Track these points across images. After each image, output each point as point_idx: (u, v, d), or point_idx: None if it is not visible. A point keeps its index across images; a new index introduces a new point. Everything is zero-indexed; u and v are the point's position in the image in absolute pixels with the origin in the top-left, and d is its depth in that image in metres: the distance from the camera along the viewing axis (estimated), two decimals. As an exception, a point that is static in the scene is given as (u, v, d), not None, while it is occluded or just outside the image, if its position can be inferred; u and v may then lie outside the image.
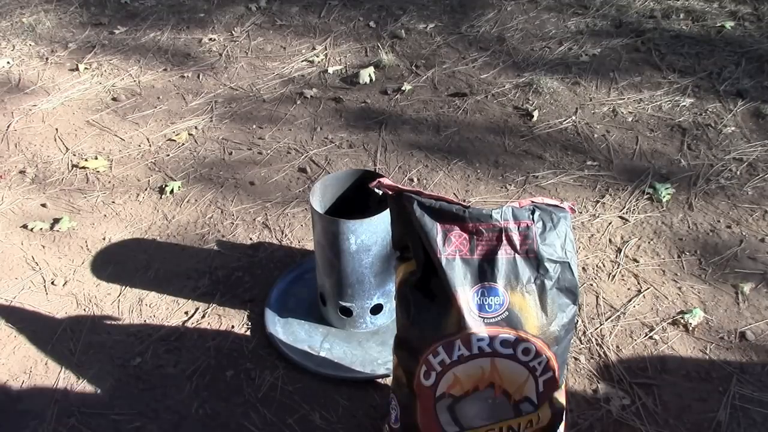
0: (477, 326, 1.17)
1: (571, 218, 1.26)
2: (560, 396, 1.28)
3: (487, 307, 1.17)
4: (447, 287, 1.18)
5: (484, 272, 1.18)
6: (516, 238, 1.19)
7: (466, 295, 1.17)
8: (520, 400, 1.20)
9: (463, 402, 1.20)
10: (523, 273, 1.18)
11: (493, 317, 1.17)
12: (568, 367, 1.58)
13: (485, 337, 1.17)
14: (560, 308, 1.20)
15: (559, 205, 1.25)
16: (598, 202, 2.09)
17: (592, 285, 1.83)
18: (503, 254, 1.19)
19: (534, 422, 1.23)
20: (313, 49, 2.95)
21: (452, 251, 1.19)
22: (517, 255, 1.19)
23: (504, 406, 1.20)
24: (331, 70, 2.80)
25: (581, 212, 2.06)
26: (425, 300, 1.21)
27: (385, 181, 1.28)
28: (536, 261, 1.19)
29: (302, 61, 2.87)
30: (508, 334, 1.17)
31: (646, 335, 1.69)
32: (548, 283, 1.19)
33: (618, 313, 1.75)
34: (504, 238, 1.19)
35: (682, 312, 1.74)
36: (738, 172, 2.18)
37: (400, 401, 1.31)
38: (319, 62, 2.86)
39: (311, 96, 2.64)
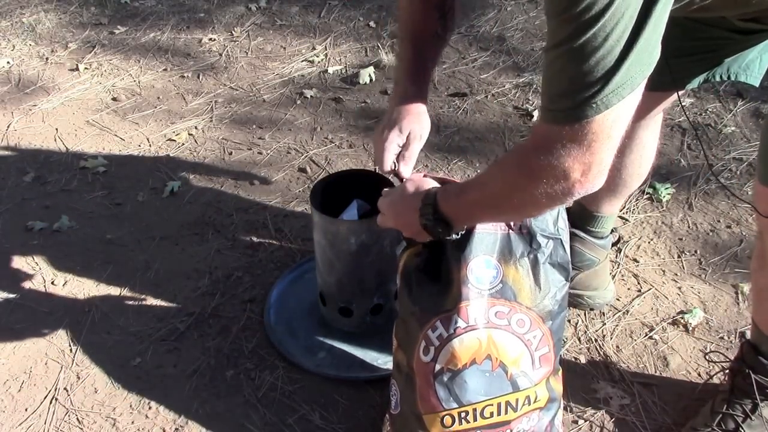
0: (473, 298, 1.22)
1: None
2: (557, 381, 1.32)
3: (482, 279, 1.22)
4: (447, 263, 1.24)
5: (480, 247, 1.23)
6: None
7: (463, 269, 1.22)
8: (516, 374, 1.23)
9: (462, 376, 1.23)
10: (516, 247, 1.24)
11: (488, 289, 1.23)
12: (568, 367, 1.58)
13: (481, 308, 1.22)
14: (553, 283, 1.25)
15: None
16: (598, 202, 2.09)
17: (592, 285, 1.82)
18: (498, 230, 1.25)
19: (532, 399, 1.25)
20: (313, 49, 2.95)
21: None
22: (511, 231, 1.25)
23: (501, 380, 1.23)
24: (331, 70, 2.80)
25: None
26: (426, 278, 1.27)
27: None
28: (529, 236, 1.25)
29: (302, 61, 2.87)
30: (502, 306, 1.22)
31: (646, 335, 1.70)
32: (541, 258, 1.24)
33: (618, 313, 1.75)
34: None
35: (682, 312, 1.75)
36: (738, 172, 2.18)
37: (399, 385, 1.33)
38: (319, 62, 2.86)
39: (311, 96, 2.64)
